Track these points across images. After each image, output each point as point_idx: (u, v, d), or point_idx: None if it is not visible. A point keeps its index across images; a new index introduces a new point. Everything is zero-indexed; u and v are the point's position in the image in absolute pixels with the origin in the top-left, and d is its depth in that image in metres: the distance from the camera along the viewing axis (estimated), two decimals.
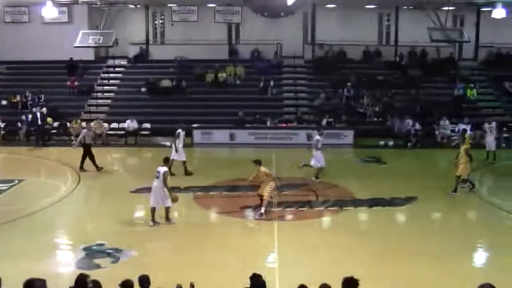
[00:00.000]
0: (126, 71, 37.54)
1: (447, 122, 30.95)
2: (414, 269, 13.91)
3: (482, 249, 16.06)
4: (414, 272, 13.70)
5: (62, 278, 13.22)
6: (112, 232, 16.54)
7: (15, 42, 35.91)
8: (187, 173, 23.20)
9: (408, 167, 26.30)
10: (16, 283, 7.84)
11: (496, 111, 33.28)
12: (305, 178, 22.70)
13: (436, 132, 30.90)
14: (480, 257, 15.78)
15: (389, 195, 20.36)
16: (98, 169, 24.03)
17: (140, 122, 31.38)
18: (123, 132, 31.03)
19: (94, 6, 35.53)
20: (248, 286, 9.12)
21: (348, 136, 30.13)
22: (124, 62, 38.26)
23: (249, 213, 18.69)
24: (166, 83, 35.23)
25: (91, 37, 33.84)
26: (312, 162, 22.75)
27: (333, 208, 19.31)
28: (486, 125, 26.96)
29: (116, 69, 37.87)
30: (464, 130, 23.84)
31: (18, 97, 34.01)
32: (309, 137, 23.36)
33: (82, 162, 23.97)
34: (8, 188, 21.36)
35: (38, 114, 30.52)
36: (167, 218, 17.34)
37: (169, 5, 36.03)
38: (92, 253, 14.75)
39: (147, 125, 31.68)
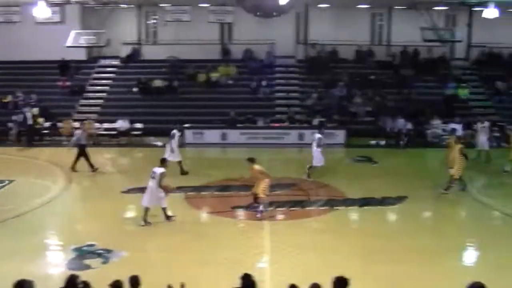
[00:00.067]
0: (118, 71, 37.42)
1: (438, 121, 31.00)
2: (406, 268, 13.97)
3: (473, 248, 16.12)
4: (406, 271, 13.76)
5: (52, 279, 13.23)
6: (103, 233, 16.53)
7: (6, 42, 35.79)
8: (183, 172, 23.19)
9: (399, 166, 26.32)
10: (6, 284, 7.82)
11: (487, 110, 33.32)
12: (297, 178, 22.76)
13: (428, 132, 30.94)
14: (471, 256, 15.84)
15: (380, 195, 20.41)
16: (94, 169, 23.98)
17: (132, 122, 31.32)
18: (115, 132, 30.93)
19: (86, 6, 35.44)
20: (239, 285, 9.13)
21: (340, 135, 30.14)
22: (116, 62, 38.11)
23: (246, 212, 18.69)
24: (158, 83, 35.17)
25: (83, 37, 33.82)
26: (314, 162, 22.82)
27: (324, 208, 19.31)
28: (479, 125, 26.96)
29: (108, 69, 37.73)
30: (454, 130, 23.86)
31: (10, 97, 33.83)
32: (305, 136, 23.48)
33: (75, 162, 23.89)
34: None
35: (28, 115, 30.44)
36: (167, 217, 17.42)
37: (161, 5, 35.97)
38: (82, 253, 14.73)
39: (139, 125, 31.57)
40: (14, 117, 31.10)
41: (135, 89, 34.97)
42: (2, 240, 15.93)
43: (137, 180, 22.09)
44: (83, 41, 33.81)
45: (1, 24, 35.30)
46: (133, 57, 37.95)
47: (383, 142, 30.43)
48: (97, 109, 34.07)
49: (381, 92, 34.19)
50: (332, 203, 19.72)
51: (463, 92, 34.44)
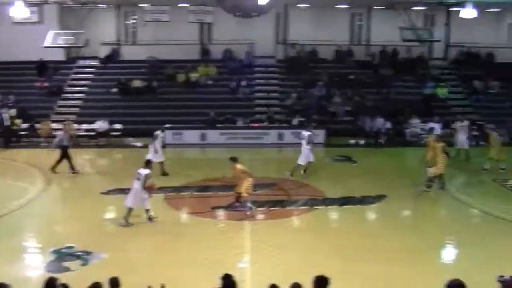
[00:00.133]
0: (97, 71, 37.18)
1: (417, 120, 31.18)
2: (386, 266, 14.03)
3: (452, 246, 16.22)
4: (386, 270, 13.82)
5: (31, 282, 13.16)
6: (82, 235, 16.41)
7: None
8: (164, 173, 23.10)
9: (378, 165, 26.42)
10: None
11: (466, 109, 33.57)
12: (277, 178, 22.81)
13: (407, 131, 31.11)
14: (450, 254, 15.94)
15: (360, 194, 20.50)
16: (74, 171, 23.82)
17: (111, 123, 31.15)
18: (94, 133, 30.73)
19: (65, 6, 35.16)
20: (220, 286, 9.12)
21: (319, 135, 30.17)
22: (95, 63, 37.85)
23: (226, 213, 18.68)
24: (137, 83, 35.00)
25: (61, 37, 33.56)
26: (300, 160, 22.91)
27: (304, 208, 19.35)
28: (458, 124, 27.14)
29: (87, 69, 37.45)
30: (431, 129, 24.03)
31: None
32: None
33: (57, 164, 23.71)
34: None
35: (6, 116, 30.19)
36: (149, 218, 17.38)
37: (140, 5, 35.85)
38: (61, 256, 14.59)
39: (118, 126, 31.40)
40: None
41: (114, 90, 34.78)
42: None
43: (116, 181, 22.07)
44: (61, 41, 33.56)
45: None
46: (112, 58, 37.74)
47: (362, 142, 30.58)
48: (76, 110, 33.80)
49: (360, 91, 34.33)
50: (312, 202, 19.76)
51: (442, 92, 34.69)
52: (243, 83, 35.21)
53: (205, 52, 38.32)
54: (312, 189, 21.41)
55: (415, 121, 31.16)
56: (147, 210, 17.37)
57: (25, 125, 31.12)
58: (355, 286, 12.93)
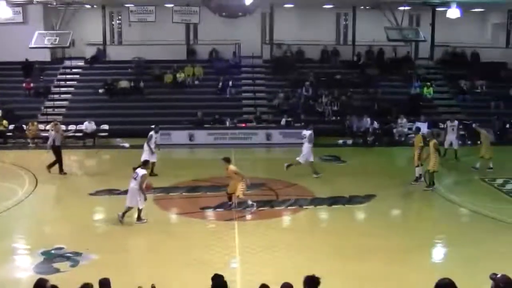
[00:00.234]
0: (83, 72, 37.06)
1: (404, 120, 31.30)
2: (375, 265, 14.05)
3: (442, 245, 16.30)
4: (375, 268, 13.86)
5: (21, 283, 13.11)
6: (71, 236, 16.34)
7: None
8: (152, 174, 23.02)
9: (367, 165, 26.50)
10: None
11: (452, 109, 33.82)
12: (266, 178, 22.83)
13: (394, 130, 31.24)
14: (440, 253, 16.02)
15: (349, 193, 20.53)
16: (63, 173, 23.73)
17: (98, 124, 31.02)
18: (80, 134, 30.57)
19: (49, 6, 34.96)
20: (210, 286, 9.10)
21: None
22: (81, 63, 37.76)
23: (215, 213, 18.68)
24: (124, 84, 34.88)
25: (47, 37, 33.32)
26: (302, 159, 22.90)
27: (293, 207, 19.37)
28: (448, 123, 27.21)
29: (73, 70, 37.33)
30: (418, 128, 24.17)
31: None
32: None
33: (54, 164, 23.69)
34: None
35: None
36: (139, 218, 17.32)
37: (126, 5, 35.72)
38: (50, 257, 14.50)
39: (105, 127, 31.30)
40: None
41: (101, 90, 34.64)
42: None
43: (104, 182, 22.03)
44: (47, 42, 33.34)
45: None
46: (98, 58, 37.61)
47: (350, 141, 30.66)
48: (63, 110, 33.66)
49: (347, 91, 34.40)
50: (300, 202, 19.77)
51: (428, 91, 34.83)
52: (230, 83, 35.18)
53: (191, 52, 38.30)
54: (301, 189, 21.41)
55: (402, 120, 31.27)
56: (139, 210, 17.31)
57: (11, 126, 30.90)
58: (346, 286, 12.94)
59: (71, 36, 34.05)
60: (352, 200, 20.01)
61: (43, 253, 14.70)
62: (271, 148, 30.48)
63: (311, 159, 23.17)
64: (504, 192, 21.42)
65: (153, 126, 24.08)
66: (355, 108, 32.78)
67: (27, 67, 35.58)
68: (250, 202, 18.47)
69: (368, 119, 31.04)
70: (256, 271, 13.61)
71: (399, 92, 35.31)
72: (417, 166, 21.96)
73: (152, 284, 9.44)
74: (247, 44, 37.21)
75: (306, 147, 23.09)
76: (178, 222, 18.62)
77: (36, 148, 29.15)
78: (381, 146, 30.15)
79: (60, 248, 15.02)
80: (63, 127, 30.23)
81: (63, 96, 34.96)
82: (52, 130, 24.71)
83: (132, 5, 35.07)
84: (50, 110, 33.43)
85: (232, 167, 18.44)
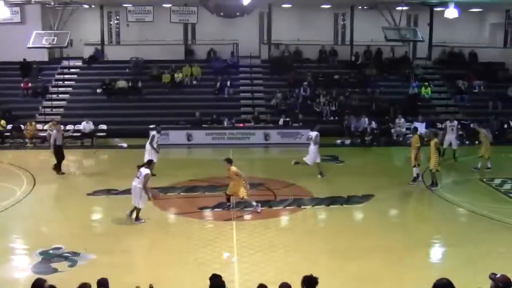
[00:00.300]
0: (81, 72, 37.04)
1: (402, 120, 31.30)
2: (373, 264, 14.07)
3: (440, 244, 16.31)
4: (374, 269, 13.86)
5: (19, 283, 13.10)
6: (69, 236, 16.31)
7: None
8: (151, 174, 23.00)
9: (365, 165, 26.56)
10: None
11: (450, 109, 33.86)
12: (264, 178, 22.83)
13: (392, 130, 31.24)
14: (437, 252, 16.01)
15: (347, 193, 20.52)
16: (59, 172, 23.71)
17: (96, 124, 30.99)
18: (78, 134, 30.54)
19: (47, 6, 34.93)
20: (208, 286, 9.10)
21: (305, 135, 30.19)
22: (79, 63, 37.75)
23: (214, 213, 18.67)
24: (122, 84, 34.86)
25: (45, 37, 33.29)
26: (309, 161, 22.90)
27: (291, 207, 19.34)
28: (448, 123, 27.17)
29: (71, 70, 37.31)
30: (415, 128, 24.16)
31: None
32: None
33: (59, 165, 23.74)
34: None
35: None
36: (137, 218, 17.33)
37: (124, 5, 35.69)
38: (49, 257, 14.48)
39: (103, 127, 31.29)
40: None
41: (99, 90, 34.62)
42: None
43: (102, 182, 22.04)
44: (44, 41, 33.31)
45: None
46: (96, 58, 37.59)
47: (348, 141, 30.66)
48: (61, 110, 33.63)
49: (345, 91, 34.40)
50: (299, 202, 19.76)
51: (426, 91, 34.84)
52: (228, 83, 35.15)
53: (189, 52, 38.29)
54: (299, 189, 21.40)
55: (400, 120, 31.27)
56: (138, 209, 17.31)
57: (9, 126, 30.88)
58: (344, 286, 12.95)
59: (69, 36, 34.06)
60: (350, 200, 20.01)
61: (41, 253, 14.68)
62: (269, 148, 30.47)
63: (318, 160, 23.10)
64: (502, 192, 21.42)
65: (152, 126, 24.06)
66: (353, 108, 32.79)
67: (25, 67, 35.55)
68: (254, 203, 18.44)
69: (366, 119, 31.05)
70: (254, 271, 13.61)
71: (397, 92, 35.32)
72: (414, 166, 21.97)
73: (150, 284, 9.45)
74: (245, 44, 37.26)
75: (312, 148, 23.01)
76: (176, 222, 18.59)
77: (34, 148, 29.18)
78: (379, 146, 30.17)
79: (58, 248, 15.00)
80: (61, 127, 30.29)
81: (61, 96, 34.94)
82: (50, 129, 24.71)
83: (130, 5, 35.06)
84: (48, 110, 33.39)
85: (233, 168, 18.41)
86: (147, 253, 15.50)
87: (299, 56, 38.00)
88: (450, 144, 26.52)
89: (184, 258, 14.62)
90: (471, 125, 27.31)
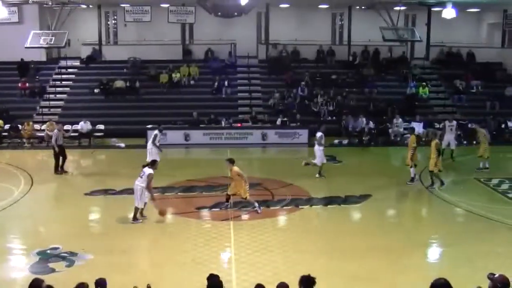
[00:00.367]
0: (78, 72, 37.00)
1: (400, 120, 31.29)
2: (371, 264, 14.07)
3: (437, 244, 16.31)
4: (372, 268, 13.86)
5: (16, 283, 13.09)
6: (67, 236, 16.28)
7: None
8: None
9: (362, 165, 26.56)
10: None
11: (447, 109, 33.88)
12: (264, 178, 22.84)
13: (390, 130, 31.23)
14: (435, 252, 16.01)
15: (344, 193, 20.56)
16: (57, 172, 23.70)
17: (93, 124, 30.96)
18: (76, 134, 30.49)
19: (45, 6, 34.89)
20: (206, 286, 9.11)
21: (303, 135, 30.28)
22: (76, 63, 37.70)
23: (211, 213, 18.67)
24: (119, 84, 34.82)
25: (42, 37, 33.28)
26: (318, 162, 23.02)
27: (288, 207, 19.35)
28: (447, 123, 27.16)
29: (69, 70, 37.24)
30: (412, 128, 24.15)
31: None
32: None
33: (63, 163, 23.78)
34: None
35: None
36: (135, 218, 17.33)
37: (121, 5, 35.66)
38: (46, 257, 14.47)
39: (101, 127, 31.25)
40: None
41: (96, 90, 34.59)
42: None
43: (100, 182, 22.03)
44: (42, 41, 33.27)
45: None
46: (93, 58, 37.54)
47: (345, 141, 30.67)
48: (58, 110, 33.59)
49: (343, 91, 34.40)
50: (296, 202, 19.76)
51: (424, 91, 34.85)
52: (226, 83, 35.13)
53: (187, 52, 38.26)
54: (296, 189, 21.41)
55: (398, 120, 31.27)
56: (136, 209, 17.32)
57: (7, 126, 30.82)
58: (341, 285, 12.94)
59: (66, 36, 34.01)
60: (347, 200, 20.03)
61: (38, 253, 14.68)
62: (267, 148, 30.47)
63: (324, 160, 23.20)
64: (500, 192, 21.44)
65: (151, 126, 24.02)
66: (350, 108, 32.78)
67: (23, 67, 35.49)
68: (256, 204, 18.44)
69: (364, 119, 31.06)
70: (252, 271, 13.60)
71: (394, 92, 35.33)
72: (411, 166, 21.99)
73: (148, 284, 9.46)
74: (242, 44, 37.25)
75: (317, 149, 23.07)
76: (173, 222, 18.54)
77: (31, 148, 29.13)
78: (377, 146, 30.18)
79: (56, 248, 14.99)
80: (63, 126, 30.29)
81: (58, 96, 34.91)
82: (48, 130, 24.67)
83: (127, 5, 35.03)
84: (45, 110, 33.35)
85: (236, 168, 18.39)
86: (145, 253, 15.50)
87: (296, 56, 38.01)
88: (449, 144, 26.51)
89: (181, 258, 14.62)
90: (469, 125, 27.30)
